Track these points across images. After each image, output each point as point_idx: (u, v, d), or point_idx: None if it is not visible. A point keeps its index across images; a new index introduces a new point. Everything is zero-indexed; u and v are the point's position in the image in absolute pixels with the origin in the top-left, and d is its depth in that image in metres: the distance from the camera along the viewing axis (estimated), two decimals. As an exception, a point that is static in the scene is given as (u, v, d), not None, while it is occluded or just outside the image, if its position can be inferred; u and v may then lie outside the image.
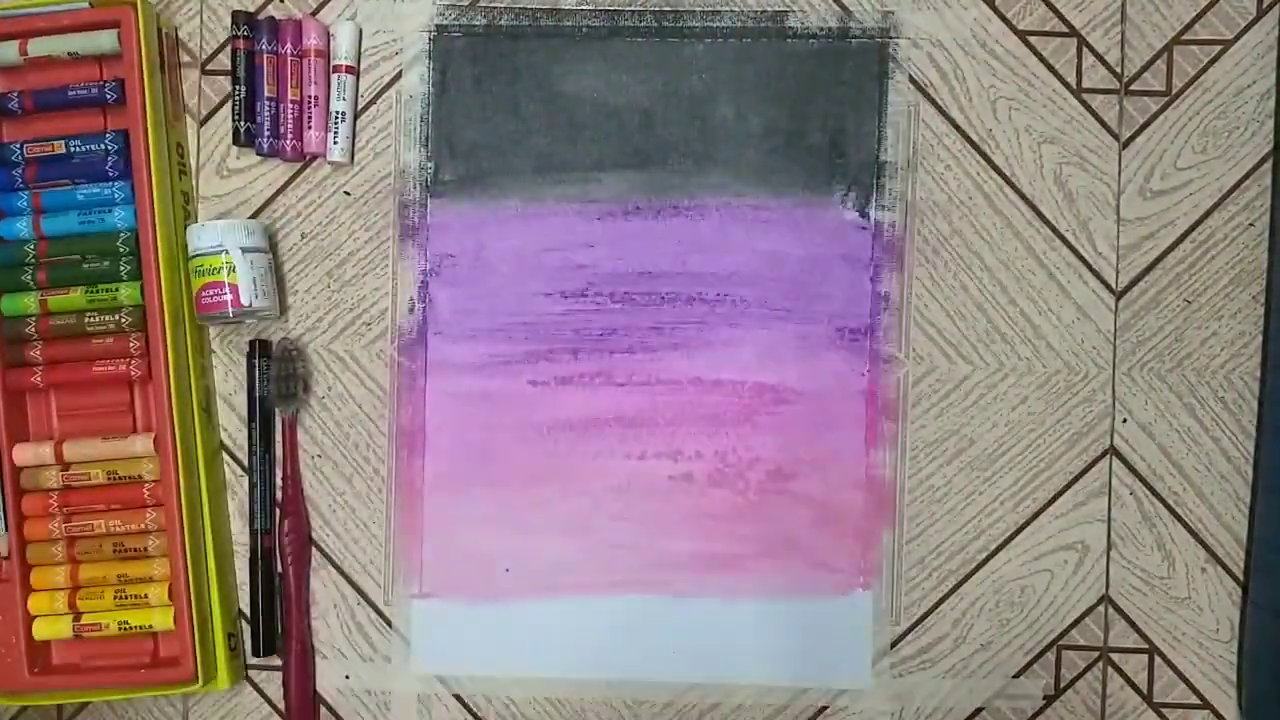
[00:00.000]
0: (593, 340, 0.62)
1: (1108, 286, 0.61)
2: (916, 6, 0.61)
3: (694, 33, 0.62)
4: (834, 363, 0.61)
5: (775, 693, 0.61)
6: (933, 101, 0.61)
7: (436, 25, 0.62)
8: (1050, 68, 0.61)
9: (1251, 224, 0.61)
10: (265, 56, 0.61)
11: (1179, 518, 0.61)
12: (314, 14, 0.62)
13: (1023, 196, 0.61)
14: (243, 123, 0.61)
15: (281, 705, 0.62)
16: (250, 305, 0.58)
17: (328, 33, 0.62)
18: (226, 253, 0.58)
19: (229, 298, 0.58)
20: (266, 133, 0.61)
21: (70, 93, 0.60)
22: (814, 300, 0.61)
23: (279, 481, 0.62)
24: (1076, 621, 0.61)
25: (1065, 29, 0.61)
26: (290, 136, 0.61)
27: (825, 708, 0.61)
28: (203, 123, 0.63)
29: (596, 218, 0.62)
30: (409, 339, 0.62)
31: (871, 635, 0.61)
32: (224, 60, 0.62)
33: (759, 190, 0.62)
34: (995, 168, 0.61)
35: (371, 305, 0.62)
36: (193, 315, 0.60)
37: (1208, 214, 0.61)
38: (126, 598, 0.59)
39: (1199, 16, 0.61)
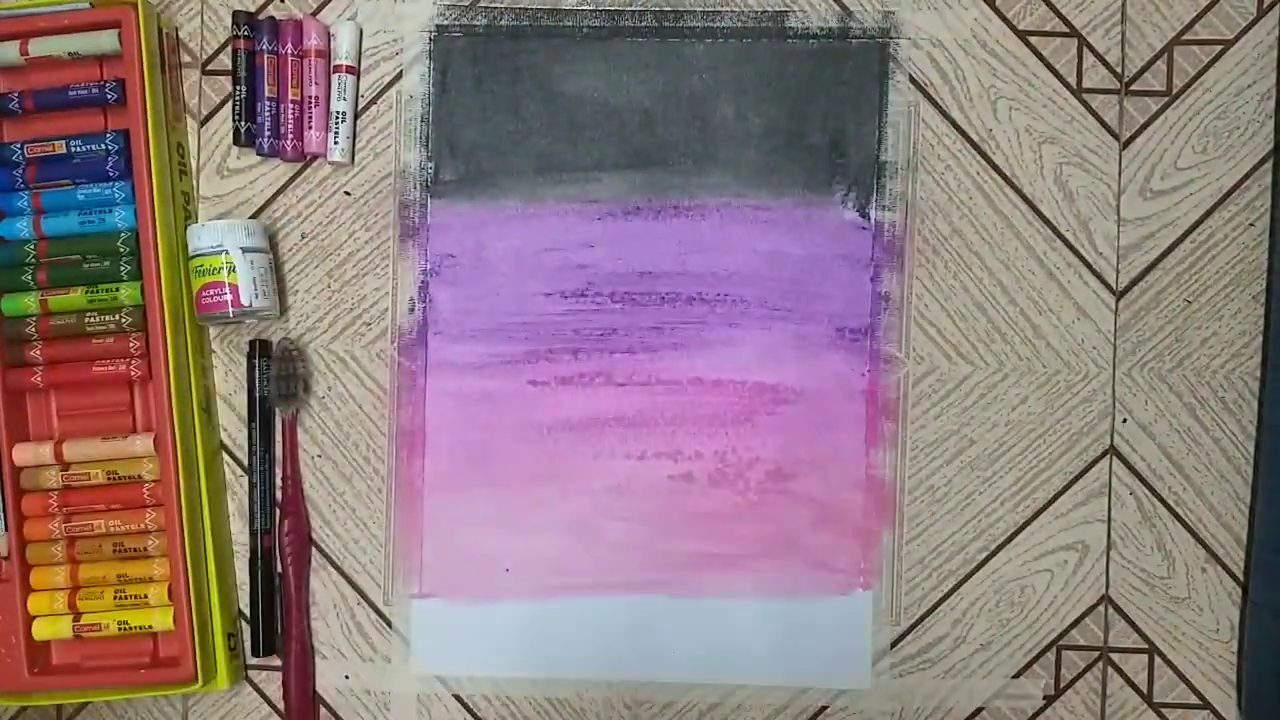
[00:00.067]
0: (593, 340, 0.62)
1: (1108, 286, 0.61)
2: (916, 6, 0.61)
3: (694, 33, 0.62)
4: (834, 363, 0.61)
5: (775, 693, 0.61)
6: (933, 101, 0.61)
7: (437, 25, 0.62)
8: (1050, 68, 0.61)
9: (1251, 224, 0.61)
10: (266, 56, 0.61)
11: (1179, 518, 0.61)
12: (314, 14, 0.63)
13: (1023, 196, 0.61)
14: (243, 123, 0.61)
15: (281, 705, 0.62)
16: (250, 305, 0.58)
17: (328, 33, 0.62)
18: (226, 253, 0.58)
19: (229, 298, 0.58)
20: (267, 133, 0.61)
21: (71, 93, 0.60)
22: (814, 300, 0.61)
23: (279, 481, 0.62)
24: (1076, 621, 0.61)
25: (1065, 29, 0.61)
26: (290, 136, 0.61)
27: (825, 708, 0.61)
28: (203, 123, 0.63)
29: (596, 218, 0.62)
30: (409, 339, 0.62)
31: (871, 635, 0.61)
32: (224, 60, 0.62)
33: (759, 190, 0.62)
34: (995, 168, 0.61)
35: (371, 305, 0.62)
36: (193, 315, 0.60)
37: (1208, 214, 0.61)
38: (126, 598, 0.59)
39: (1199, 16, 0.61)
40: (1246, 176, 0.61)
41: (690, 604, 0.61)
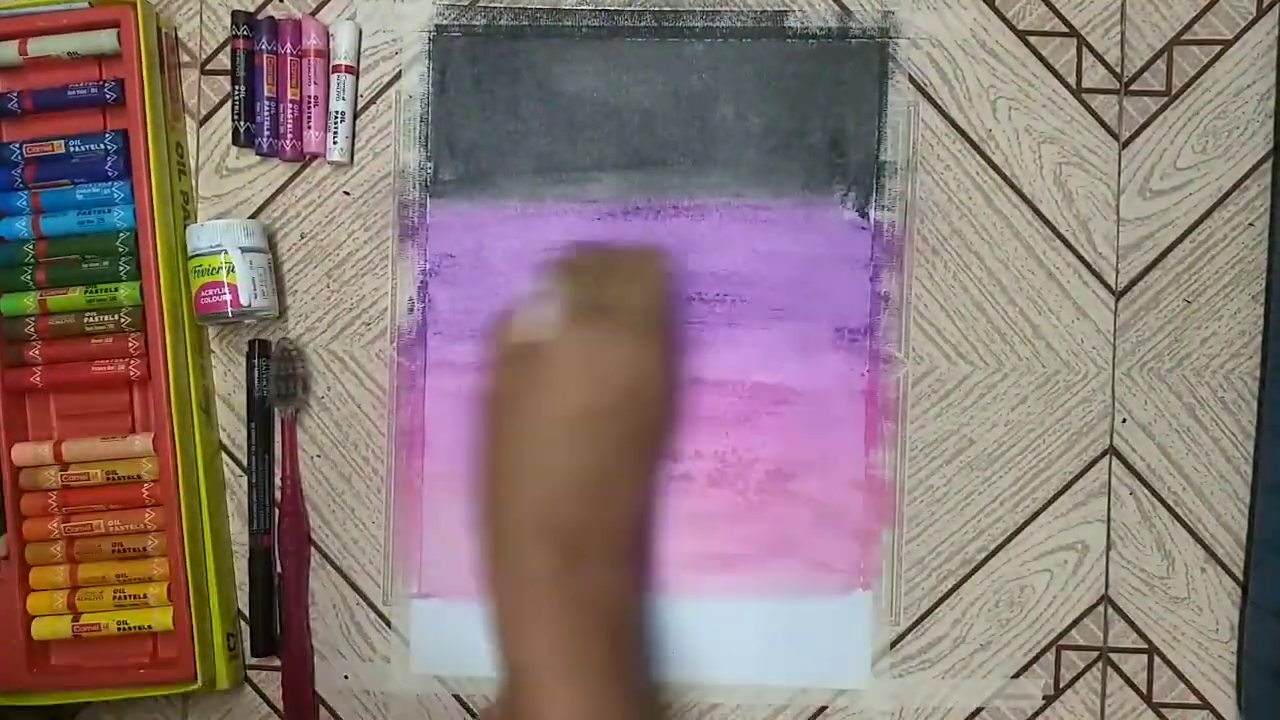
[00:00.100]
0: (592, 340, 0.62)
1: (1107, 286, 0.61)
2: (916, 6, 0.61)
3: (694, 33, 0.62)
4: (834, 363, 0.61)
5: (775, 693, 0.61)
6: (933, 101, 0.61)
7: (436, 25, 0.62)
8: (1050, 68, 0.61)
9: (1251, 224, 0.61)
10: (265, 56, 0.61)
11: (1179, 518, 0.61)
12: (314, 14, 0.62)
13: (1023, 196, 0.61)
14: (242, 123, 0.61)
15: (281, 705, 0.62)
16: (250, 305, 0.58)
17: (327, 33, 0.62)
18: (226, 253, 0.58)
19: (228, 298, 0.58)
20: (266, 133, 0.61)
21: (70, 93, 0.60)
22: (813, 300, 0.61)
23: (278, 481, 0.62)
24: (1076, 621, 0.61)
25: (1065, 29, 0.61)
26: (290, 136, 0.61)
27: (825, 708, 0.61)
28: (202, 123, 0.63)
29: (596, 218, 0.62)
30: (409, 339, 0.62)
31: (871, 635, 0.61)
32: (224, 60, 0.62)
33: (759, 190, 0.62)
34: (995, 168, 0.61)
35: (371, 305, 0.62)
36: (192, 315, 0.60)
37: (1208, 214, 0.61)
38: (126, 598, 0.59)
39: (1199, 16, 0.61)
40: (1246, 176, 0.61)
41: (690, 604, 0.61)
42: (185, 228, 0.60)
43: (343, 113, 0.61)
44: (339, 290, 0.62)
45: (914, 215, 0.61)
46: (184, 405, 0.59)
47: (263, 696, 0.63)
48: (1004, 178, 0.61)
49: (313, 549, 0.62)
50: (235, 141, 0.62)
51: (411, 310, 0.62)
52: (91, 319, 0.59)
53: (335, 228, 0.62)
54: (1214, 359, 0.61)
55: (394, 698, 0.62)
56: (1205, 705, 0.61)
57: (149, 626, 0.59)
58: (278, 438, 0.62)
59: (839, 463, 0.61)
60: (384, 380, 0.62)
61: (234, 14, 0.61)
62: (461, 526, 0.62)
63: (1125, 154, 0.61)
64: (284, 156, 0.62)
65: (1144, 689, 0.61)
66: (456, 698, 0.62)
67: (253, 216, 0.62)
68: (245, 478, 0.62)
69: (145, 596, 0.59)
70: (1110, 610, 0.61)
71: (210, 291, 0.58)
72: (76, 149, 0.60)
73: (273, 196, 0.63)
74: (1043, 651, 0.61)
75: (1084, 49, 0.61)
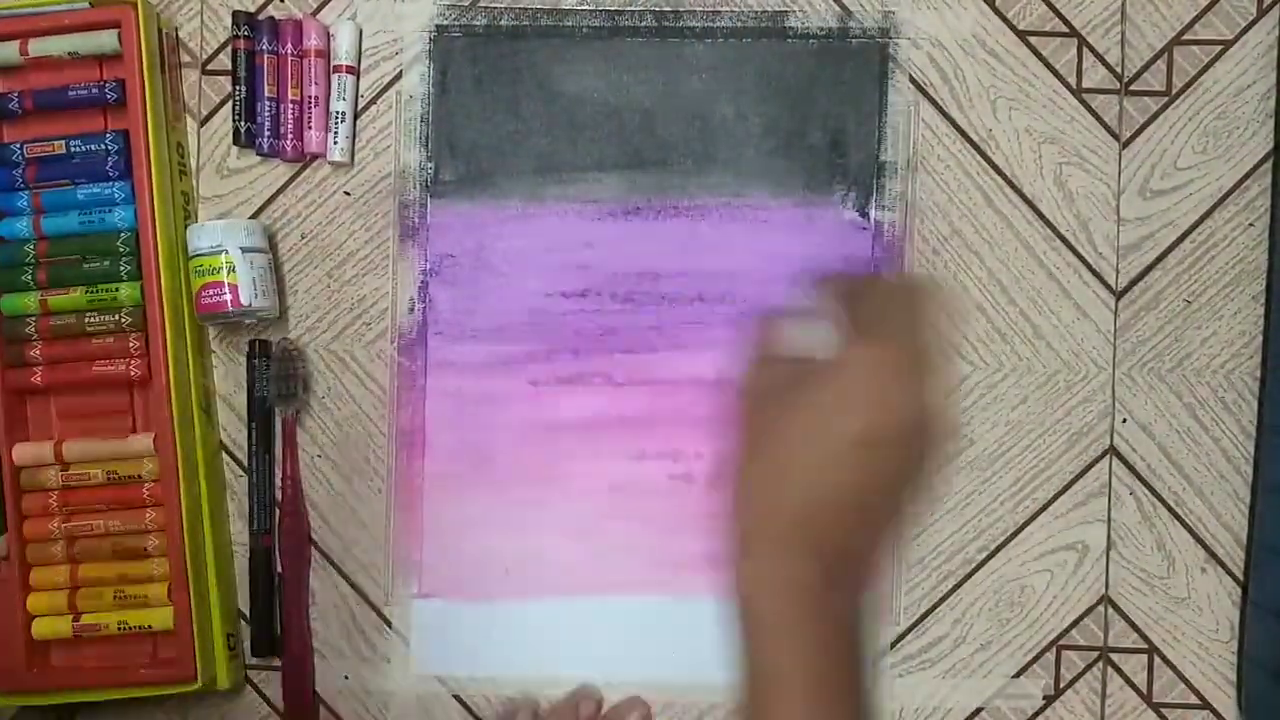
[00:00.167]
0: (593, 340, 0.62)
1: (1108, 286, 0.61)
2: (916, 6, 0.61)
3: (694, 33, 0.62)
4: (834, 363, 0.61)
5: (775, 693, 0.61)
6: (933, 101, 0.61)
7: (436, 25, 0.62)
8: (1050, 68, 0.61)
9: (1251, 224, 0.61)
10: (265, 56, 0.61)
11: (1179, 518, 0.61)
12: (314, 14, 0.63)
13: (1023, 196, 0.61)
14: (243, 123, 0.61)
15: (281, 705, 0.62)
16: (250, 305, 0.58)
17: (328, 33, 0.62)
18: (226, 253, 0.58)
19: (229, 297, 0.58)
20: (266, 133, 0.61)
21: (70, 93, 0.60)
22: (814, 300, 0.61)
23: (279, 481, 0.62)
24: (1076, 621, 0.61)
25: (1065, 29, 0.61)
26: (290, 136, 0.61)
27: (825, 708, 0.61)
28: (203, 123, 0.63)
29: (596, 218, 0.62)
30: (409, 339, 0.62)
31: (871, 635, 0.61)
32: (224, 60, 0.62)
33: (759, 190, 0.62)
34: (995, 168, 0.61)
35: (371, 305, 0.62)
36: (193, 315, 0.60)
37: (1208, 214, 0.61)
38: (126, 597, 0.59)
39: (1199, 16, 0.61)
40: (1246, 176, 0.61)
41: (690, 604, 0.61)
42: (186, 228, 0.60)
43: (343, 113, 0.62)
44: (339, 290, 0.62)
45: (914, 215, 0.61)
46: (184, 405, 0.59)
47: (263, 696, 0.63)
48: (1004, 178, 0.61)
49: (313, 549, 0.62)
50: (236, 142, 0.62)
51: (412, 310, 0.62)
52: (92, 319, 0.59)
53: (336, 228, 0.63)
54: (1214, 359, 0.61)
55: (394, 698, 0.62)
56: (1205, 705, 0.61)
57: (149, 626, 0.59)
58: (278, 438, 0.62)
59: (839, 463, 0.61)
60: (384, 380, 0.62)
61: (234, 14, 0.61)
62: (462, 526, 0.62)
63: (1125, 154, 0.61)
64: (285, 157, 0.62)
65: (1144, 689, 0.61)
66: (456, 698, 0.62)
67: (253, 216, 0.63)
68: (245, 478, 0.62)
69: (145, 596, 0.59)
70: (1110, 610, 0.61)
71: (211, 291, 0.58)
72: (77, 149, 0.60)
73: (273, 197, 0.63)
74: (1043, 651, 0.61)
75: (1084, 49, 0.61)
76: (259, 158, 0.62)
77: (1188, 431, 0.61)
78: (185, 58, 0.63)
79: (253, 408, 0.62)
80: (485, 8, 0.62)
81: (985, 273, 0.61)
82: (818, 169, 0.62)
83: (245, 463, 0.62)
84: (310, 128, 0.62)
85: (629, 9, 0.62)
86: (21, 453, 0.59)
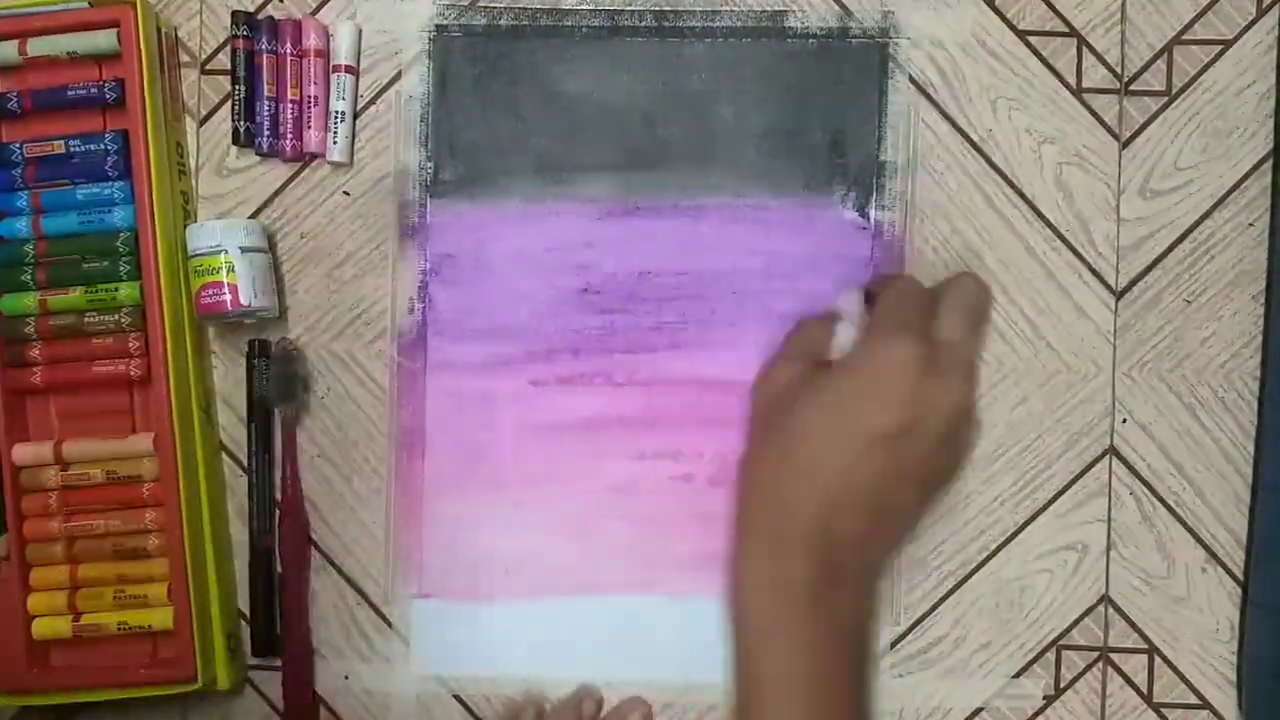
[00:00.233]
0: (593, 340, 0.62)
1: (1108, 286, 0.61)
2: (916, 6, 0.61)
3: (694, 33, 0.62)
4: (834, 363, 0.61)
5: (775, 693, 0.61)
6: (933, 101, 0.61)
7: (436, 25, 0.62)
8: (1050, 68, 0.61)
9: (1251, 224, 0.61)
10: (265, 56, 0.61)
11: (1179, 518, 0.61)
12: (314, 14, 0.62)
13: (1023, 196, 0.61)
14: (242, 123, 0.61)
15: (281, 705, 0.62)
16: (249, 305, 0.58)
17: (327, 33, 0.62)
18: (225, 252, 0.58)
19: (228, 297, 0.58)
20: (266, 133, 0.61)
21: (70, 93, 0.60)
22: (814, 300, 0.61)
23: (279, 481, 0.62)
24: (1076, 621, 0.61)
25: (1065, 29, 0.61)
26: (290, 136, 0.61)
27: (825, 708, 0.61)
28: (202, 123, 0.63)
29: (596, 218, 0.62)
30: (409, 339, 0.62)
31: (871, 635, 0.61)
32: (224, 60, 0.62)
33: (759, 190, 0.62)
34: (995, 168, 0.61)
35: (371, 305, 0.62)
36: (193, 315, 0.60)
37: (1208, 214, 0.61)
38: (126, 598, 0.59)
39: (1199, 16, 0.61)
40: (1246, 176, 0.61)
41: (690, 604, 0.61)
42: (185, 227, 0.60)
43: (343, 113, 0.61)
44: (339, 290, 0.62)
45: (914, 215, 0.61)
46: (184, 405, 0.59)
47: (263, 696, 0.63)
48: (1004, 178, 0.61)
49: (313, 549, 0.62)
50: (235, 141, 0.62)
51: (412, 310, 0.62)
52: (92, 319, 0.59)
53: (335, 228, 0.62)
54: (1214, 359, 0.61)
55: (394, 698, 0.62)
56: (1205, 705, 0.61)
57: (149, 626, 0.59)
58: (278, 438, 0.62)
59: (839, 463, 0.61)
60: (384, 380, 0.62)
61: (234, 14, 0.61)
62: (462, 526, 0.62)
63: (1125, 154, 0.61)
64: (284, 156, 0.62)
65: (1144, 689, 0.61)
66: (456, 698, 0.62)
67: (253, 216, 0.63)
68: (245, 478, 0.62)
69: (145, 596, 0.59)
70: (1110, 610, 0.61)
71: (210, 291, 0.58)
72: (76, 149, 0.60)
73: (273, 196, 0.63)
74: (1043, 651, 0.61)
75: (1084, 49, 0.61)
76: (258, 157, 0.62)
77: (1188, 431, 0.61)
78: (184, 57, 0.63)
79: (253, 408, 0.62)
80: (485, 8, 0.62)
81: (985, 273, 0.61)
82: (818, 169, 0.62)
83: (245, 463, 0.62)
84: (310, 127, 0.61)
85: (629, 9, 0.62)
86: (21, 453, 0.59)
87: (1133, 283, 0.61)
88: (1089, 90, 0.61)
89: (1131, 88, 0.61)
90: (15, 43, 0.59)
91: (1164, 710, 0.61)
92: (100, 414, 0.61)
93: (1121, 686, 0.61)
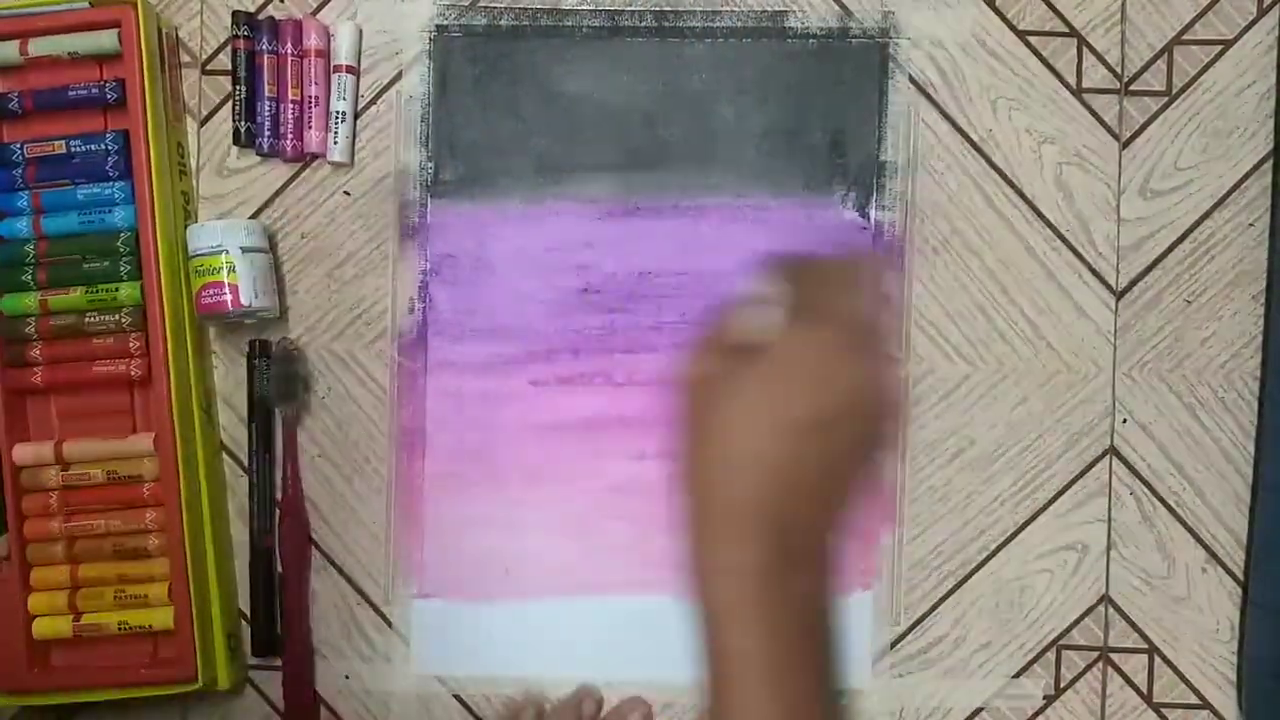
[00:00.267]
0: (593, 340, 0.62)
1: (1108, 286, 0.61)
2: (916, 6, 0.61)
3: (694, 33, 0.62)
4: (834, 363, 0.61)
5: (775, 693, 0.61)
6: (933, 101, 0.61)
7: (436, 25, 0.62)
8: (1050, 68, 0.61)
9: (1251, 224, 0.61)
10: (265, 56, 0.61)
11: (1179, 518, 0.61)
12: (314, 14, 0.63)
13: (1023, 196, 0.61)
14: (243, 123, 0.61)
15: (281, 705, 0.62)
16: (250, 305, 0.58)
17: (328, 33, 0.62)
18: (226, 253, 0.58)
19: (229, 297, 0.58)
20: (266, 133, 0.61)
21: (70, 93, 0.60)
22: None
23: (279, 481, 0.62)
24: (1076, 621, 0.61)
25: (1065, 29, 0.61)
26: (290, 136, 0.61)
27: (825, 708, 0.61)
28: (203, 123, 0.63)
29: (596, 218, 0.62)
30: (409, 339, 0.62)
31: (871, 635, 0.61)
32: (224, 60, 0.62)
33: (759, 190, 0.62)
34: (995, 168, 0.61)
35: (371, 305, 0.62)
36: (193, 315, 0.60)
37: (1208, 214, 0.61)
38: (126, 597, 0.59)
39: (1199, 16, 0.61)
40: (1246, 176, 0.61)
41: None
42: (186, 228, 0.60)
43: (343, 113, 0.62)
44: (339, 290, 0.62)
45: (914, 215, 0.61)
46: (185, 405, 0.59)
47: (263, 696, 0.63)
48: (1004, 178, 0.61)
49: (313, 549, 0.62)
50: (236, 141, 0.62)
51: (412, 310, 0.62)
52: (92, 319, 0.59)
53: (336, 228, 0.63)
54: (1214, 359, 0.61)
55: (394, 698, 0.62)
56: (1205, 705, 0.61)
57: (150, 626, 0.59)
58: (278, 438, 0.62)
59: (839, 463, 0.61)
60: (384, 380, 0.62)
61: (234, 14, 0.61)
62: (462, 526, 0.62)
63: (1125, 154, 0.61)
64: (284, 157, 0.62)
65: (1144, 689, 0.61)
66: (457, 698, 0.62)
67: (253, 216, 0.63)
68: (246, 478, 0.62)
69: (146, 596, 0.59)
70: (1110, 610, 0.61)
71: (211, 291, 0.58)
72: (77, 149, 0.60)
73: (273, 197, 0.63)
74: (1043, 651, 0.61)
75: (1084, 49, 0.61)
76: (259, 158, 0.62)
77: (1188, 431, 0.61)
78: (185, 57, 0.63)
79: (253, 408, 0.62)
80: (485, 8, 0.62)
81: (985, 273, 0.61)
82: (818, 169, 0.62)
83: (245, 463, 0.62)
84: (310, 127, 0.62)
85: (629, 9, 0.62)
86: (21, 453, 0.59)
87: (1133, 283, 0.61)
88: (1089, 90, 0.61)
89: (1131, 88, 0.61)
90: (16, 43, 0.59)
91: (1164, 710, 0.61)
92: (101, 414, 0.61)
93: (1121, 686, 0.61)
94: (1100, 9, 0.61)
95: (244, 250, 0.59)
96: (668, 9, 0.62)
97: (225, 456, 0.63)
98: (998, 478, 0.61)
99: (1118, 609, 0.61)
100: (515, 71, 0.62)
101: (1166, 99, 0.61)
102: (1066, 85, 0.61)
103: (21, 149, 0.60)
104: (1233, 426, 0.61)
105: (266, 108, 0.61)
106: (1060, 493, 0.61)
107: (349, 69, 0.62)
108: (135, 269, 0.59)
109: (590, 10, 0.62)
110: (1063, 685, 0.61)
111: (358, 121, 0.62)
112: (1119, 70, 0.61)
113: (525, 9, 0.62)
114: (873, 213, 0.61)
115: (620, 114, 0.62)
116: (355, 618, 0.62)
